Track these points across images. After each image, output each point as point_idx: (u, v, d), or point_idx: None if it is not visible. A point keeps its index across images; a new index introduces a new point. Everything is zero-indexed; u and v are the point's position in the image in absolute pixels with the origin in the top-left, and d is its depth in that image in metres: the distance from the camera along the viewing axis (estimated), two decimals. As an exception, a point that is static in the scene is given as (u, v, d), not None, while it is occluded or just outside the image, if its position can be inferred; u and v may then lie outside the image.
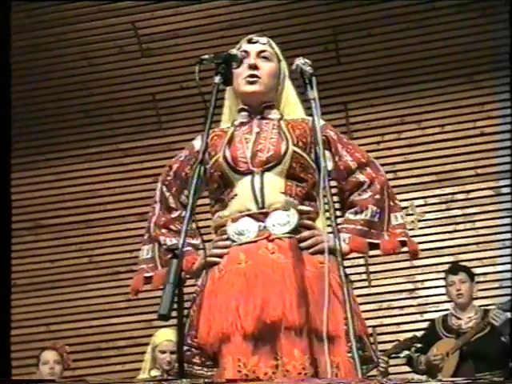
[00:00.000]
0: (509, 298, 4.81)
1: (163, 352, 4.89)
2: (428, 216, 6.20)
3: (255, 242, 2.23)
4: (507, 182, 6.10)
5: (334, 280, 2.14)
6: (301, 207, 2.28)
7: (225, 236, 2.28)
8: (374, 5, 6.30)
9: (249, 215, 2.26)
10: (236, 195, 2.29)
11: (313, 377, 2.05)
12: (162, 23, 6.60)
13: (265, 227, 2.24)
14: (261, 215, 2.25)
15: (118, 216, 6.68)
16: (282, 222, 2.24)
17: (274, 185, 2.27)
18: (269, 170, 2.28)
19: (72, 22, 6.63)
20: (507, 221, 6.04)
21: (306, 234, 2.25)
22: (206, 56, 2.22)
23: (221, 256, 2.26)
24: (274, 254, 2.20)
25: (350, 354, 2.07)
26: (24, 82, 6.59)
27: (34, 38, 6.61)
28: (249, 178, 2.28)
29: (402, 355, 5.07)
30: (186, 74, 6.23)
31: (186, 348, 2.15)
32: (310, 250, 2.23)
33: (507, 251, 5.96)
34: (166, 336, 4.87)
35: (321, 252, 2.22)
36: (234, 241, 2.26)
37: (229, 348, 2.11)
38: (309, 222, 2.27)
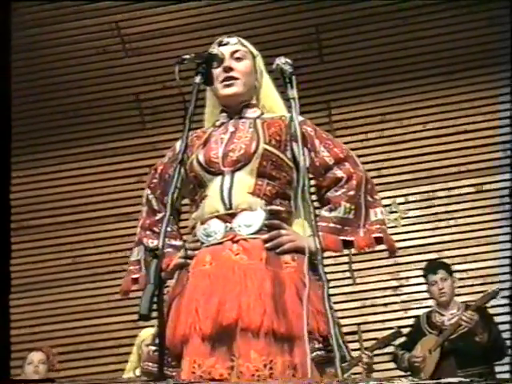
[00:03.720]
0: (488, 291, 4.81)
1: (148, 345, 4.90)
2: (411, 213, 6.23)
3: (221, 243, 2.21)
4: (489, 178, 6.15)
5: (299, 280, 2.12)
6: (270, 207, 2.25)
7: (196, 238, 2.28)
8: (356, 3, 6.32)
9: (217, 216, 2.24)
10: (206, 196, 2.28)
11: (266, 378, 2.02)
12: (144, 23, 6.59)
13: (231, 228, 2.22)
14: (228, 216, 2.23)
15: (101, 216, 6.66)
16: (247, 222, 2.22)
17: (243, 185, 2.25)
18: (239, 169, 2.27)
19: (53, 22, 6.60)
20: (490, 217, 6.09)
21: (271, 234, 2.22)
22: (187, 56, 2.22)
23: (191, 258, 2.25)
24: (238, 256, 2.17)
25: (312, 355, 2.05)
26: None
27: (18, 39, 6.58)
28: (219, 178, 2.27)
29: (385, 350, 5.11)
30: (169, 73, 6.15)
31: (154, 348, 2.19)
32: (277, 250, 2.20)
33: (490, 247, 6.01)
34: (151, 331, 4.89)
35: (286, 252, 2.20)
36: (202, 242, 2.25)
37: (188, 349, 2.10)
38: (276, 222, 2.24)
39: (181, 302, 2.18)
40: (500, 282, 5.75)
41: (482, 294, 4.78)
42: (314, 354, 2.06)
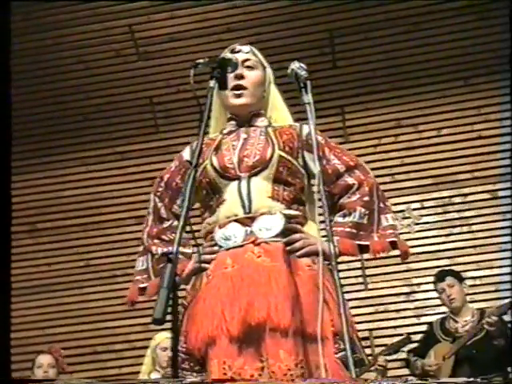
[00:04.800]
0: (504, 301, 4.79)
1: (164, 349, 4.91)
2: (425, 219, 6.21)
3: (242, 246, 2.23)
4: (504, 185, 6.11)
5: (322, 282, 2.13)
6: (288, 211, 2.27)
7: (213, 242, 2.29)
8: (370, 8, 6.31)
9: (236, 220, 2.26)
10: (224, 201, 2.29)
11: (298, 377, 2.04)
12: (158, 26, 6.61)
13: (251, 232, 2.24)
14: (247, 220, 2.25)
15: (115, 219, 6.68)
16: (268, 226, 2.24)
17: (261, 189, 2.28)
18: (256, 174, 2.29)
19: (69, 25, 6.63)
20: (504, 224, 6.05)
21: (293, 237, 2.25)
22: (201, 60, 2.22)
23: (209, 262, 2.26)
24: (260, 258, 2.20)
25: (337, 356, 2.08)
26: (20, 86, 6.59)
27: (31, 42, 6.61)
28: (236, 183, 2.29)
29: (395, 356, 5.10)
30: (182, 77, 6.23)
31: (172, 354, 2.16)
32: (298, 253, 2.23)
33: (504, 254, 5.97)
34: (166, 334, 4.91)
35: (308, 255, 2.23)
36: (221, 246, 2.26)
37: (215, 351, 2.11)
38: (295, 226, 2.27)
39: (201, 305, 2.19)
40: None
41: (496, 303, 4.76)
42: (341, 354, 2.09)
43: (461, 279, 4.96)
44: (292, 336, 2.08)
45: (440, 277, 4.96)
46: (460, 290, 4.87)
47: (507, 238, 5.98)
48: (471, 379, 3.29)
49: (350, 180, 2.37)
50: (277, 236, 2.24)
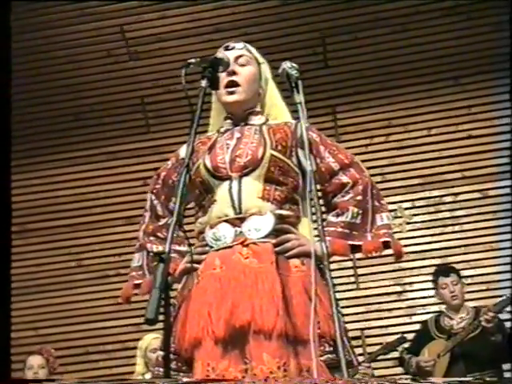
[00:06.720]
0: (499, 299, 4.81)
1: (154, 351, 4.93)
2: (416, 219, 6.23)
3: (231, 247, 2.22)
4: (494, 184, 6.14)
5: (309, 283, 2.13)
6: (279, 211, 2.26)
7: (204, 242, 2.29)
8: (361, 9, 6.33)
9: (226, 221, 2.25)
10: (215, 201, 2.29)
11: (280, 380, 2.03)
12: (149, 26, 6.61)
13: (241, 232, 2.23)
14: (237, 220, 2.25)
15: (106, 219, 6.67)
16: (257, 226, 2.23)
17: (252, 189, 2.27)
18: (247, 174, 2.28)
19: (60, 25, 6.62)
20: (494, 223, 6.07)
21: (283, 237, 2.24)
22: (193, 60, 2.22)
23: (199, 262, 2.26)
24: (248, 259, 2.19)
25: (321, 358, 2.07)
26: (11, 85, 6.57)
27: (22, 41, 6.59)
28: (227, 183, 2.28)
29: (389, 356, 5.10)
30: (173, 77, 6.23)
31: (164, 353, 2.17)
32: (287, 254, 2.22)
33: (495, 253, 5.99)
34: (152, 336, 4.94)
35: (296, 256, 2.22)
36: (211, 246, 2.26)
37: (200, 353, 2.11)
38: (286, 227, 2.26)
39: (189, 306, 2.18)
40: (505, 288, 5.73)
41: (487, 301, 4.77)
42: (325, 356, 2.09)
43: (461, 278, 4.98)
44: (276, 338, 2.07)
45: (444, 272, 4.96)
46: (462, 288, 4.90)
47: (502, 237, 5.99)
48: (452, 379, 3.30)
49: (344, 179, 2.35)
50: (266, 237, 2.23)
